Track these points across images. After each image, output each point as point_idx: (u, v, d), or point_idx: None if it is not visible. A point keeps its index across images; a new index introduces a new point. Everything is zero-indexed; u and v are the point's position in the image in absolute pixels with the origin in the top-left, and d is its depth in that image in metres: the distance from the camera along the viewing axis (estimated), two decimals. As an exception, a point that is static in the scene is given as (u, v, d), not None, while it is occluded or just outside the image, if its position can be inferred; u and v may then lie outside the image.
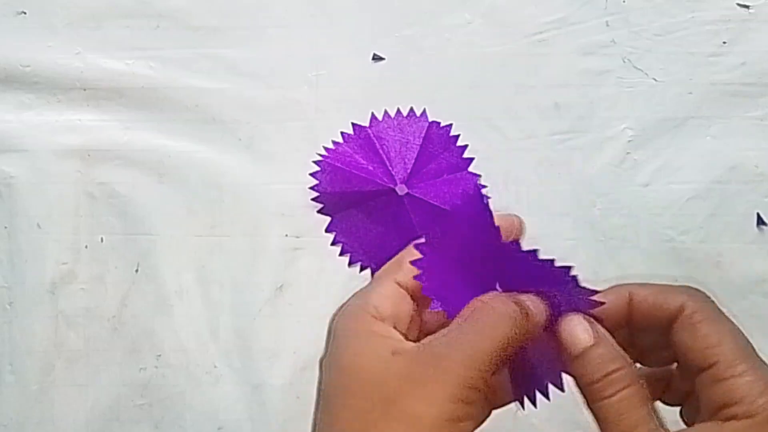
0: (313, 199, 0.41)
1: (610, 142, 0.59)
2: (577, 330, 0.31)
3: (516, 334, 0.30)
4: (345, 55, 0.61)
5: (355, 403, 0.30)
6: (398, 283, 0.32)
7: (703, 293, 0.32)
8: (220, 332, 0.59)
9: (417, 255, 0.33)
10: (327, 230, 0.38)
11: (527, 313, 0.30)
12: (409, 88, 0.59)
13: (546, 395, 0.33)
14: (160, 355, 0.59)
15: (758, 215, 0.57)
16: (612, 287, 0.33)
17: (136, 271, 0.60)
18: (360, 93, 0.60)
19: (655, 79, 0.59)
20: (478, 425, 0.31)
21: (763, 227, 0.57)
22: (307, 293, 0.59)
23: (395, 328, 0.32)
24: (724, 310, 0.31)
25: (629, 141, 0.59)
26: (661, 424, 0.30)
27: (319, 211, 0.41)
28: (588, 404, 0.31)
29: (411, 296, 0.33)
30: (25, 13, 0.62)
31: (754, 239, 0.57)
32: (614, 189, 0.58)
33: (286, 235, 0.59)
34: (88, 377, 0.59)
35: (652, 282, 0.33)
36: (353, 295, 0.33)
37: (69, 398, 0.58)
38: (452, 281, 0.33)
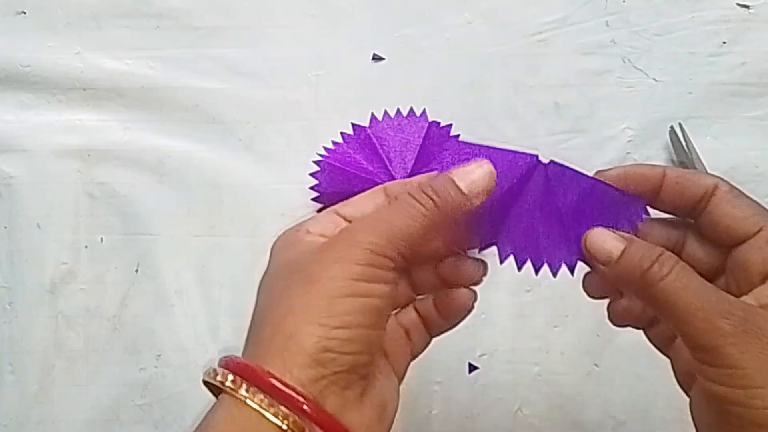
0: (313, 199, 0.41)
1: (610, 142, 0.59)
2: (606, 240, 0.33)
3: (426, 230, 0.32)
4: (345, 55, 0.61)
5: (276, 284, 0.33)
6: (337, 213, 0.35)
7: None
8: (220, 332, 0.59)
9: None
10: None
11: (444, 216, 0.33)
12: (409, 88, 0.59)
13: (554, 271, 0.35)
14: (160, 355, 0.59)
15: (758, 215, 0.57)
16: (645, 164, 0.35)
17: (136, 271, 0.60)
18: (360, 93, 0.60)
19: (655, 79, 0.59)
20: (393, 293, 0.33)
21: (763, 227, 0.57)
22: (307, 293, 0.59)
23: None
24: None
25: (629, 141, 0.59)
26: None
27: (318, 211, 0.41)
28: (646, 297, 0.32)
29: None
30: (25, 13, 0.62)
31: (754, 239, 0.57)
32: (614, 189, 0.58)
33: (286, 235, 0.59)
34: (88, 377, 0.59)
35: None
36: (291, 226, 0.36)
37: (69, 398, 0.58)
38: None
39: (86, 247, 0.60)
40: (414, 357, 0.38)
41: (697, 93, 0.59)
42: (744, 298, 0.32)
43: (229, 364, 0.32)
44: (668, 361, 0.39)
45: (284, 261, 0.34)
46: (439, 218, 0.33)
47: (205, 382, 0.32)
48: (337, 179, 0.40)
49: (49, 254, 0.60)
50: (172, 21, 0.61)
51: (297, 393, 0.30)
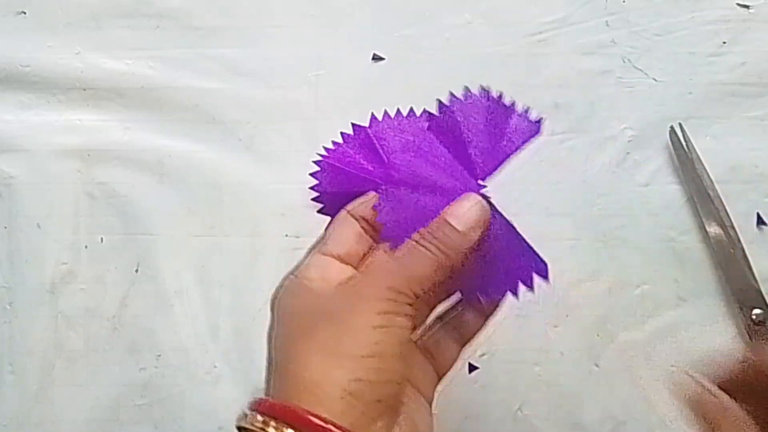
0: (313, 199, 0.41)
1: (610, 142, 0.59)
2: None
3: (437, 271, 0.34)
4: (345, 55, 0.61)
5: (294, 331, 0.34)
6: (323, 254, 0.37)
7: None
8: (220, 332, 0.59)
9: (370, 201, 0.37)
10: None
11: (448, 255, 0.34)
12: (409, 88, 0.59)
13: (515, 293, 0.37)
14: (160, 355, 0.59)
15: (758, 215, 0.57)
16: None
17: (136, 271, 0.60)
18: (360, 93, 0.60)
19: (655, 79, 0.59)
20: (413, 325, 0.34)
21: (763, 227, 0.57)
22: (307, 293, 0.59)
23: None
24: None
25: (629, 141, 0.59)
26: None
27: (319, 211, 0.41)
28: None
29: (340, 261, 0.36)
30: (25, 13, 0.62)
31: (754, 239, 0.56)
32: (614, 189, 0.58)
33: (286, 235, 0.59)
34: (88, 377, 0.59)
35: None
36: (286, 275, 0.37)
37: (69, 398, 0.58)
38: (407, 221, 0.36)
39: (86, 247, 0.60)
40: (441, 376, 0.39)
41: (697, 93, 0.59)
42: None
43: (261, 405, 0.32)
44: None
45: (296, 309, 0.35)
46: (446, 259, 0.34)
47: (241, 428, 0.32)
48: (337, 179, 0.40)
49: (49, 254, 0.60)
50: (172, 21, 0.61)
51: (337, 427, 0.30)
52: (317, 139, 0.40)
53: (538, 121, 0.39)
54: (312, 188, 0.41)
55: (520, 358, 0.57)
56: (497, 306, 0.39)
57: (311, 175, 0.41)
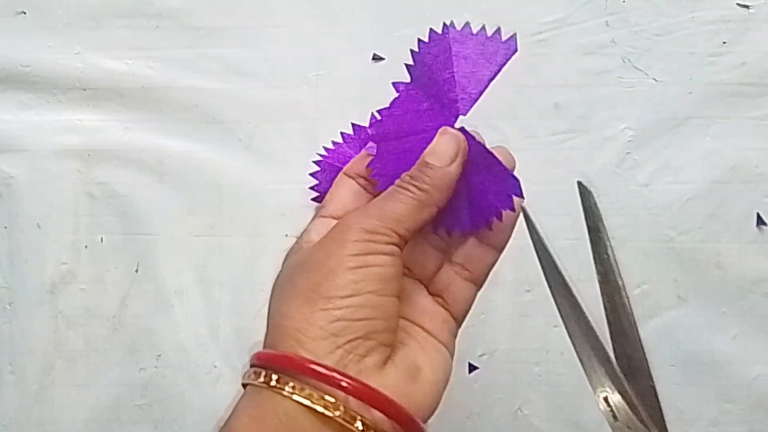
0: (313, 199, 0.41)
1: (610, 142, 0.59)
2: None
3: (419, 209, 0.34)
4: (345, 55, 0.61)
5: (282, 283, 0.34)
6: (323, 216, 0.37)
7: None
8: (220, 332, 0.59)
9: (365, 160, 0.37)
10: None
11: (429, 193, 0.35)
12: (409, 88, 0.59)
13: (499, 217, 0.37)
14: (160, 355, 0.59)
15: (758, 215, 0.57)
16: None
17: (136, 271, 0.60)
18: (360, 93, 0.60)
19: (655, 79, 0.59)
20: (396, 262, 0.34)
21: (763, 227, 0.57)
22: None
23: None
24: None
25: (629, 141, 0.59)
26: None
27: (318, 213, 0.41)
28: None
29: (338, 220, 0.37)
30: (25, 13, 0.62)
31: (754, 239, 0.57)
32: (614, 189, 0.58)
33: (286, 235, 0.59)
34: (88, 377, 0.59)
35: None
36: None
37: (69, 398, 0.58)
38: (398, 168, 0.37)
39: (86, 247, 0.60)
40: (459, 321, 0.38)
41: (697, 93, 0.59)
42: None
43: (259, 357, 0.33)
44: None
45: (288, 266, 0.36)
46: (427, 197, 0.35)
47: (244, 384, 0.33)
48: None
49: (49, 254, 0.60)
50: (172, 21, 0.61)
51: (319, 365, 0.31)
52: (317, 139, 0.40)
53: (511, 38, 0.39)
54: (312, 188, 0.41)
55: (520, 358, 0.57)
56: (503, 236, 0.38)
57: (311, 175, 0.41)
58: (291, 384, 0.31)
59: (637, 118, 0.59)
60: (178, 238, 0.60)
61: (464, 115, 0.38)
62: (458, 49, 0.39)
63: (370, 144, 0.38)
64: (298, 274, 0.34)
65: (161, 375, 0.58)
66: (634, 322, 0.38)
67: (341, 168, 0.40)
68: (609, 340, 0.39)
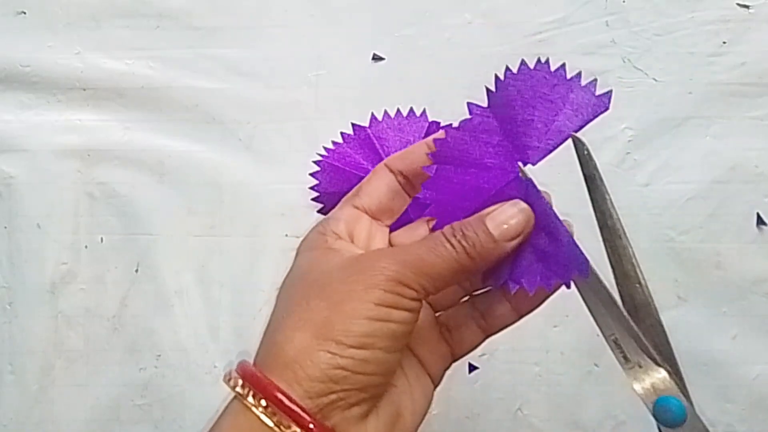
0: (313, 199, 0.41)
1: (610, 142, 0.59)
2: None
3: (455, 271, 0.32)
4: (345, 55, 0.61)
5: (297, 292, 0.33)
6: (355, 206, 0.35)
7: None
8: (219, 332, 0.59)
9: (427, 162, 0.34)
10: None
11: (473, 259, 0.32)
12: (409, 88, 0.59)
13: (548, 287, 0.34)
14: (160, 355, 0.59)
15: (758, 215, 0.57)
16: None
17: (136, 271, 0.60)
18: (360, 93, 0.60)
19: (655, 79, 0.59)
20: (414, 320, 0.32)
21: (763, 227, 0.57)
22: (307, 293, 0.59)
23: (353, 243, 0.35)
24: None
25: (629, 141, 0.59)
26: None
27: (319, 211, 0.41)
28: None
29: (370, 216, 0.35)
30: (25, 13, 0.62)
31: (754, 239, 0.56)
32: (614, 189, 0.58)
33: (286, 235, 0.59)
34: (88, 377, 0.59)
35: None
36: (315, 224, 0.35)
37: (69, 398, 0.58)
38: (453, 199, 0.33)
39: (86, 247, 0.60)
40: (457, 358, 0.37)
41: (697, 93, 0.59)
42: None
43: (242, 369, 0.32)
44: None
45: (308, 268, 0.34)
46: (470, 262, 0.32)
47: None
48: (337, 179, 0.40)
49: (49, 254, 0.60)
50: (172, 21, 0.61)
51: (302, 410, 0.30)
52: (317, 139, 0.40)
53: (606, 95, 0.35)
54: (312, 188, 0.41)
55: (520, 358, 0.57)
56: (533, 305, 0.37)
57: (311, 175, 0.41)
58: (272, 412, 0.30)
59: (637, 118, 0.59)
60: (178, 238, 0.59)
61: (533, 165, 0.35)
62: (545, 91, 0.35)
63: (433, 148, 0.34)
64: (313, 291, 0.32)
65: (161, 375, 0.58)
66: (636, 262, 0.38)
67: (341, 168, 0.40)
68: (615, 285, 0.38)
